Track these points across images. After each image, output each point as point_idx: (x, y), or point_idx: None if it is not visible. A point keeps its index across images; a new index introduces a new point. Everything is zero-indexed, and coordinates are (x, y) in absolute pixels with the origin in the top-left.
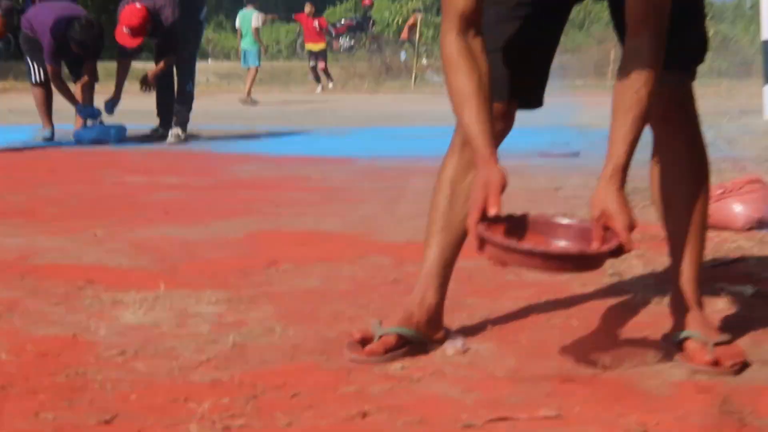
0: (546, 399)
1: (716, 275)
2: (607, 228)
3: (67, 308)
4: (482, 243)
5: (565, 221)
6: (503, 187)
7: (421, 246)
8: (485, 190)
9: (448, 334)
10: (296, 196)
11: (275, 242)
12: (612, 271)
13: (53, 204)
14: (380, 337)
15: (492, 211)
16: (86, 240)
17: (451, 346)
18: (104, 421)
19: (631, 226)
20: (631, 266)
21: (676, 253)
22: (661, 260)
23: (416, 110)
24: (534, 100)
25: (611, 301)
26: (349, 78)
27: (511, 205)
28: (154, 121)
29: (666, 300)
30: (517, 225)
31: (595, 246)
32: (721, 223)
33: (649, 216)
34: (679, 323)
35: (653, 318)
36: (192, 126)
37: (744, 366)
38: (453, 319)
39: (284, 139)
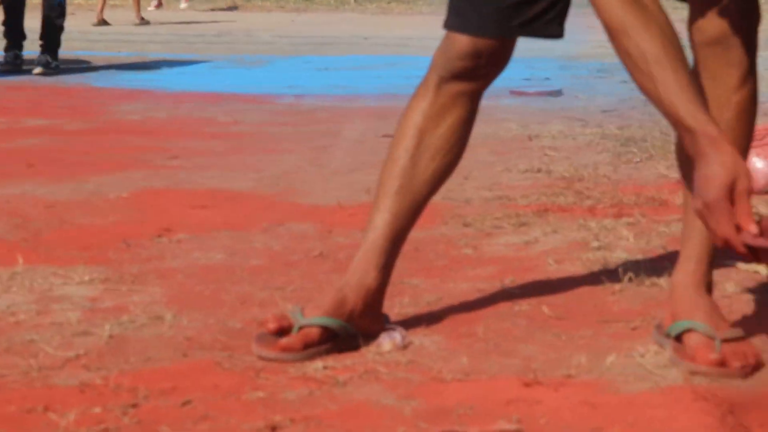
0: (504, 408)
1: (725, 250)
2: None
3: None
4: (756, 252)
5: None
6: (752, 183)
7: (355, 210)
8: (730, 186)
9: (385, 324)
10: (197, 145)
11: (168, 204)
12: (597, 243)
13: None
14: (300, 328)
15: (752, 229)
16: None
17: (388, 340)
18: None
19: None
20: (620, 237)
21: (690, 221)
22: (657, 230)
23: (356, 34)
24: (549, 27)
25: (593, 283)
26: None
27: (473, 158)
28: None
29: (663, 281)
30: None
31: None
32: None
33: (647, 173)
34: (680, 311)
35: (645, 304)
36: (63, 52)
37: (756, 368)
38: (392, 304)
39: (183, 71)
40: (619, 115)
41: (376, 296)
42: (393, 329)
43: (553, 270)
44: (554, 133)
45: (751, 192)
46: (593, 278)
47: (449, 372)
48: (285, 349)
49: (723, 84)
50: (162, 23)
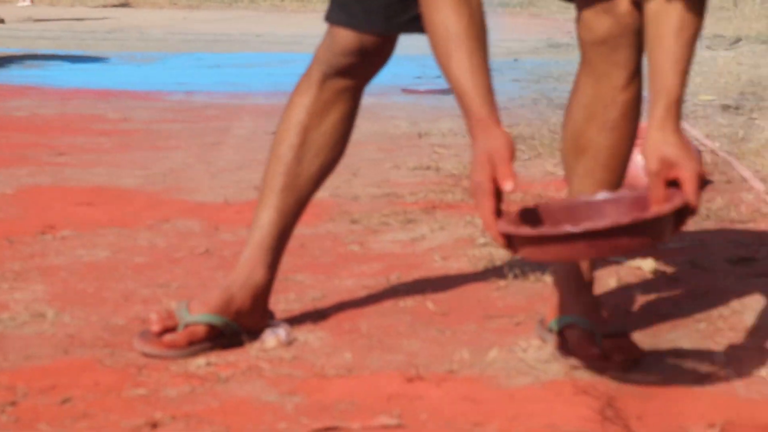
0: (386, 403)
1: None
2: (670, 183)
3: None
4: (509, 240)
5: (609, 195)
6: (513, 155)
7: (241, 208)
8: (491, 163)
9: (269, 321)
10: (85, 141)
11: (53, 201)
12: (483, 240)
13: None
14: (186, 326)
15: (508, 185)
16: None
17: (272, 336)
18: None
19: (701, 175)
20: None
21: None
22: None
23: (248, 32)
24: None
25: (478, 279)
26: None
27: (361, 155)
28: None
29: (547, 277)
30: (547, 214)
31: (654, 210)
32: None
33: (534, 170)
34: (561, 306)
35: (529, 300)
36: None
37: (636, 362)
38: (277, 300)
39: (73, 67)
40: (508, 114)
41: (263, 294)
42: (277, 325)
43: (439, 266)
44: (444, 131)
45: (510, 159)
46: (479, 274)
47: (332, 368)
48: (169, 346)
49: (609, 83)
50: (52, 20)
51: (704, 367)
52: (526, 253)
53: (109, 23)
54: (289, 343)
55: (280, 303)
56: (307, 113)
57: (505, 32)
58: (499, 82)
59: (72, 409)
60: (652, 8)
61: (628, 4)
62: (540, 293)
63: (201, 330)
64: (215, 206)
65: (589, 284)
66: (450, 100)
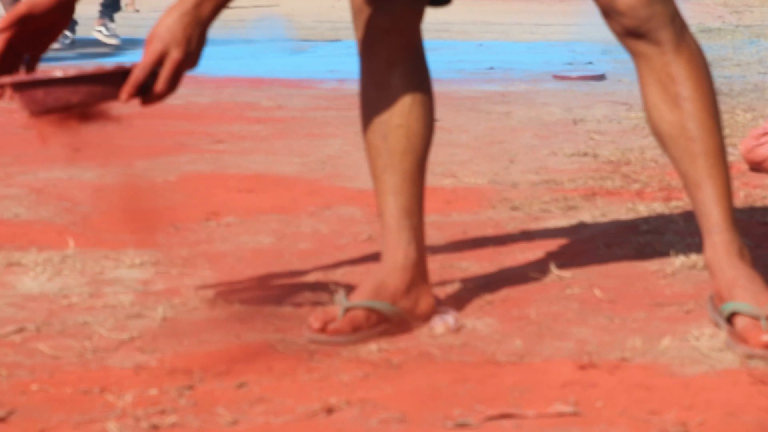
0: (560, 391)
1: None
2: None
3: None
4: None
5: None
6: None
7: None
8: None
9: (437, 307)
10: (241, 129)
11: (215, 188)
12: (646, 227)
13: None
14: (345, 312)
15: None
16: None
17: (441, 323)
18: None
19: (168, 58)
20: (670, 221)
21: (696, 195)
22: None
23: None
24: None
25: (645, 265)
26: None
27: (518, 141)
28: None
29: None
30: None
31: (93, 69)
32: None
33: None
34: (722, 290)
35: (697, 287)
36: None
37: None
38: (442, 287)
39: (225, 56)
40: None
41: (412, 275)
42: (445, 312)
43: (603, 254)
44: (599, 117)
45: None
46: (644, 262)
47: (503, 354)
48: (335, 333)
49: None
50: None
51: None
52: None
53: (259, 11)
54: (458, 329)
55: (446, 289)
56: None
57: None
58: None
59: (248, 394)
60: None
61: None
62: (708, 281)
63: (361, 315)
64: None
65: (741, 255)
66: (602, 86)
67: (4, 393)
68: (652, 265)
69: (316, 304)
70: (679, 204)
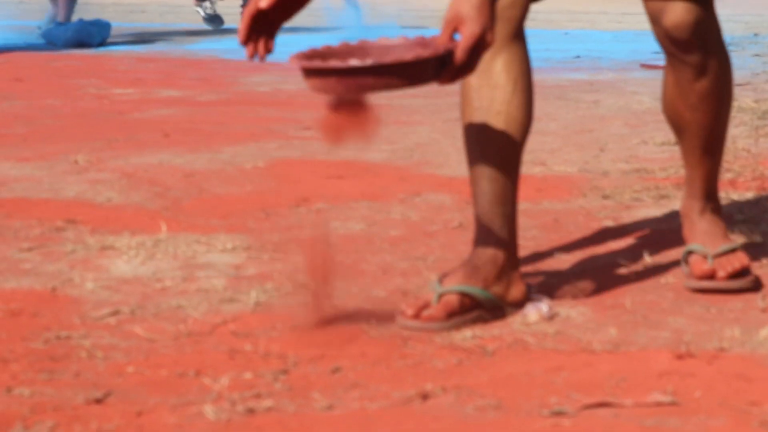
0: (657, 380)
1: None
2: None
3: (44, 255)
4: (306, 72)
5: (403, 39)
6: None
7: None
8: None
9: (530, 295)
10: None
11: (305, 174)
12: (741, 216)
13: (21, 122)
14: (440, 297)
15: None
16: (65, 168)
17: (534, 311)
18: (94, 399)
19: (481, 37)
20: (765, 210)
21: (687, 162)
22: None
23: None
24: None
25: None
26: None
27: (607, 130)
28: (144, 18)
29: None
30: (347, 53)
31: (414, 53)
32: None
33: None
34: (688, 236)
35: None
36: (186, 25)
37: (742, 273)
38: (535, 275)
39: (312, 42)
40: (754, 89)
41: (504, 261)
42: (539, 300)
43: None
44: None
45: None
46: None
47: (598, 343)
48: (429, 319)
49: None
50: None
51: None
52: (310, 84)
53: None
54: (551, 317)
55: (538, 278)
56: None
57: (743, 7)
58: (739, 57)
59: (343, 379)
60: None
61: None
62: None
63: (455, 300)
64: (465, 180)
65: (714, 212)
66: None
67: (100, 375)
68: (748, 254)
69: (408, 291)
70: None
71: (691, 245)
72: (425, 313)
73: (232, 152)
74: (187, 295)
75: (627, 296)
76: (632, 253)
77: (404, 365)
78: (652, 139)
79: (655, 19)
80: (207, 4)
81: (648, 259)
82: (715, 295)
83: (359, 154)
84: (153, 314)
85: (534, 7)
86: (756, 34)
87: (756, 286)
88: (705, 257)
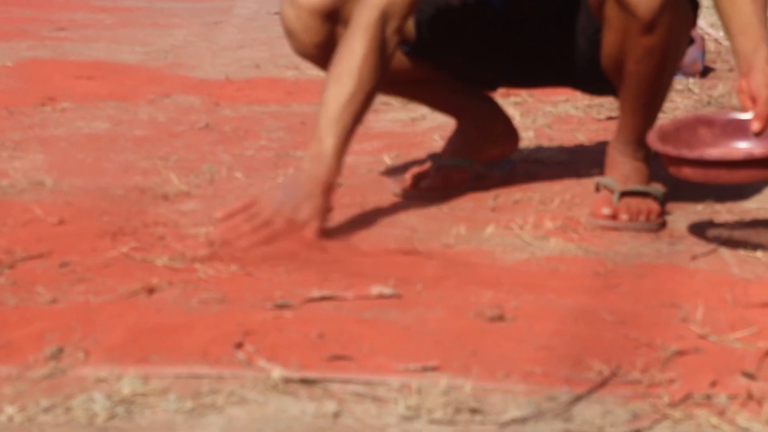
0: (384, 275)
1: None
2: None
3: None
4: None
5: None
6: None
7: (242, 85)
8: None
9: None
10: (85, 17)
11: (53, 74)
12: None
13: None
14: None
15: None
16: None
17: None
18: None
19: None
20: None
21: (621, 107)
22: (543, 110)
23: None
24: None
25: None
26: None
27: None
28: None
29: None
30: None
31: None
32: None
33: None
34: (607, 171)
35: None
36: None
37: (662, 224)
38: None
39: None
40: None
41: None
42: None
43: (438, 146)
44: None
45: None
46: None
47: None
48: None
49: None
50: None
51: (699, 248)
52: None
53: None
54: None
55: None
56: None
57: None
58: None
59: (70, 274)
60: None
61: None
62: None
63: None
64: (216, 83)
65: (638, 158)
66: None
67: None
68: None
69: (146, 189)
70: (517, 100)
71: (603, 178)
72: (423, 183)
73: None
74: None
75: (367, 196)
76: (374, 155)
77: (133, 262)
78: None
79: None
80: None
81: (388, 161)
82: (450, 197)
83: (112, 55)
84: None
85: None
86: None
87: (660, 227)
88: (612, 192)
